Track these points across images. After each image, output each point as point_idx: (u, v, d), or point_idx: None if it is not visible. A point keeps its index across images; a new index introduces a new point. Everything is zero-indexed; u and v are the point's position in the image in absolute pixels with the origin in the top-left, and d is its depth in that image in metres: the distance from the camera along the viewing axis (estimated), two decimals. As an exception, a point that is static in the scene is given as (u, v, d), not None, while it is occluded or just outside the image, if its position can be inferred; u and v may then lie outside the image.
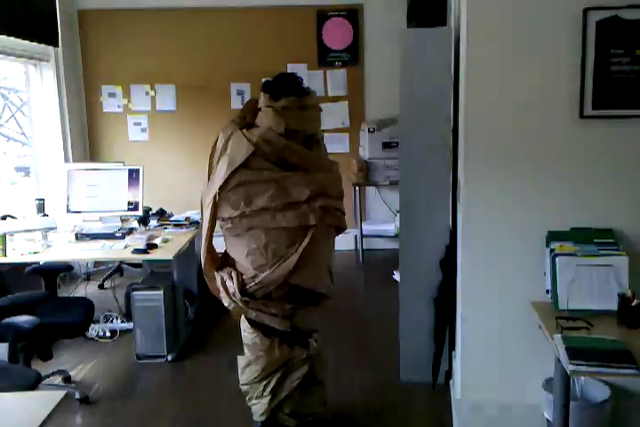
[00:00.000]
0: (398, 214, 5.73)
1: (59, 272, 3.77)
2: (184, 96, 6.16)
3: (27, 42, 4.98)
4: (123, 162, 5.00)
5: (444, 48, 3.07)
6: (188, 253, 4.16)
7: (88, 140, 6.20)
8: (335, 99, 6.14)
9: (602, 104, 2.50)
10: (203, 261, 2.77)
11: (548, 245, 2.48)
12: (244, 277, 2.64)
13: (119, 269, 5.35)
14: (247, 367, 2.76)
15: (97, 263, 5.51)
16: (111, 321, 4.19)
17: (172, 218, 4.58)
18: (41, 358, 3.14)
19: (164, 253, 3.70)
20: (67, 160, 5.66)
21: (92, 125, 6.21)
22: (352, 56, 6.14)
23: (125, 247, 3.78)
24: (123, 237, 4.01)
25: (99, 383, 3.44)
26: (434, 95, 3.10)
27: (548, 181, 2.56)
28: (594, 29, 2.45)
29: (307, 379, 2.76)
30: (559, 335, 2.09)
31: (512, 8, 2.50)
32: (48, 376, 3.28)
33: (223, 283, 2.70)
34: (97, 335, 4.05)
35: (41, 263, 3.67)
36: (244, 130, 2.63)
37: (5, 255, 3.55)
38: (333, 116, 6.01)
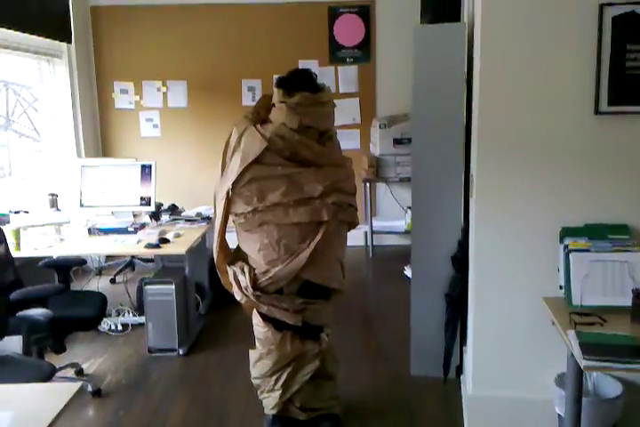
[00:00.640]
0: (409, 211, 5.78)
1: (72, 266, 3.79)
2: (195, 92, 6.18)
3: (40, 38, 5.01)
4: (135, 158, 5.02)
5: (457, 44, 3.06)
6: (199, 248, 4.19)
7: (100, 136, 6.24)
8: (346, 95, 6.14)
9: (617, 100, 2.48)
10: (215, 255, 2.78)
11: (561, 241, 2.47)
12: (256, 271, 2.66)
13: (131, 263, 5.38)
14: (259, 361, 2.77)
15: (109, 258, 5.55)
16: (123, 315, 4.22)
17: (184, 213, 4.60)
18: (54, 351, 3.17)
19: (177, 247, 3.72)
20: (79, 156, 5.69)
21: (104, 122, 6.25)
22: (363, 53, 6.14)
23: (138, 242, 3.80)
24: (135, 232, 4.03)
25: (111, 376, 3.47)
26: (447, 91, 3.10)
27: (562, 177, 2.56)
28: (610, 25, 2.43)
29: (318, 373, 2.77)
30: (572, 331, 2.09)
31: (527, 4, 2.48)
32: (61, 369, 3.30)
33: (235, 277, 2.71)
34: (109, 329, 4.09)
35: (54, 257, 3.70)
36: (258, 125, 2.64)
37: (19, 249, 3.58)
38: (344, 112, 6.00)
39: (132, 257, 5.36)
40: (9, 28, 4.43)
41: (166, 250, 3.74)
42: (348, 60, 6.15)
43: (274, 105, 2.66)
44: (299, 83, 2.62)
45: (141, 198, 4.27)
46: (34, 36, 4.89)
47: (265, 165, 2.60)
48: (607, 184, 2.54)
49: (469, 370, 2.86)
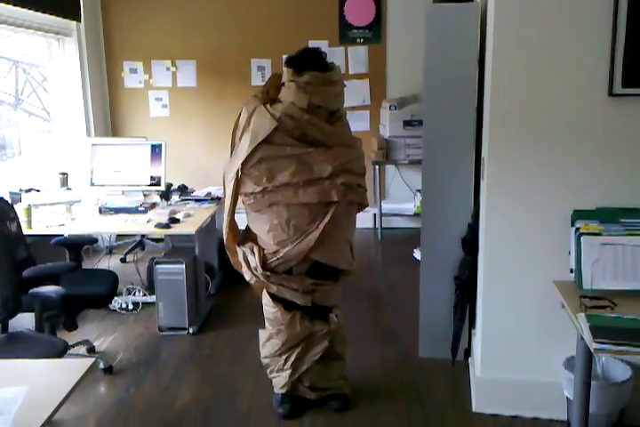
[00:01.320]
0: (418, 193, 5.76)
1: (83, 245, 3.81)
2: (205, 72, 6.15)
3: (49, 16, 4.99)
4: (145, 137, 5.02)
5: (470, 24, 3.03)
6: (209, 229, 4.21)
7: (110, 115, 6.23)
8: (356, 76, 6.09)
9: (632, 82, 2.44)
10: (225, 235, 2.79)
11: (573, 225, 2.46)
12: (265, 252, 2.66)
13: (141, 243, 5.41)
14: (268, 341, 2.80)
15: (119, 237, 5.58)
16: (134, 294, 4.25)
17: (194, 193, 4.61)
18: (66, 329, 3.20)
19: (187, 227, 3.74)
20: (89, 135, 5.69)
21: (114, 101, 6.23)
22: (374, 33, 6.07)
23: (148, 221, 3.82)
24: (145, 212, 4.04)
25: (122, 354, 3.51)
26: (459, 72, 3.07)
27: (574, 159, 2.54)
28: (625, 6, 2.38)
29: (327, 353, 2.80)
30: (583, 314, 2.09)
31: (542, -17, 2.45)
32: (73, 346, 3.34)
33: (245, 258, 2.72)
34: (120, 308, 4.12)
35: (66, 236, 3.72)
36: (267, 105, 2.62)
37: (31, 227, 3.60)
38: (354, 93, 5.95)
39: (142, 237, 5.39)
40: (17, 6, 4.40)
41: (176, 230, 3.76)
42: (358, 40, 6.09)
43: (283, 84, 2.65)
44: (308, 62, 2.60)
45: (151, 178, 4.28)
46: (43, 15, 4.86)
47: (274, 145, 2.60)
48: (620, 167, 2.52)
49: (478, 352, 2.88)
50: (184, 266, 3.70)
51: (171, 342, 3.67)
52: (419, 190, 5.56)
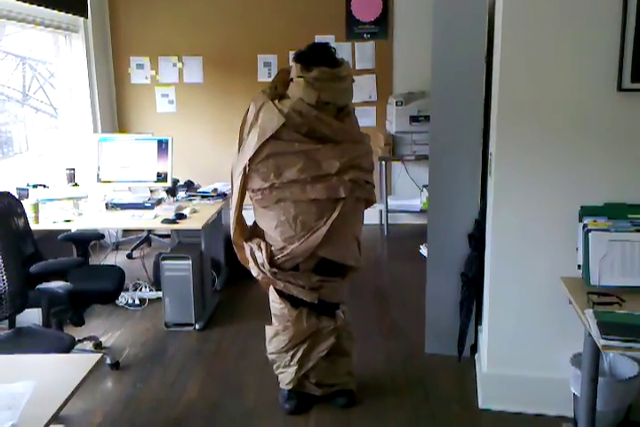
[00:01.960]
0: (424, 189, 5.75)
1: (90, 240, 3.82)
2: (211, 68, 6.15)
3: (56, 12, 4.99)
4: (152, 133, 5.03)
5: (478, 18, 3.01)
6: (215, 224, 4.21)
7: (116, 111, 6.24)
8: (363, 72, 6.06)
9: (642, 77, 2.43)
10: (232, 231, 2.79)
11: (580, 221, 2.45)
12: (272, 248, 2.66)
13: (147, 239, 5.42)
14: (275, 337, 2.80)
15: (125, 233, 5.59)
16: (140, 290, 4.26)
17: (200, 189, 4.61)
18: (73, 324, 3.22)
19: (193, 223, 3.74)
20: (95, 131, 5.70)
21: (120, 97, 6.24)
22: (381, 28, 6.05)
23: (155, 217, 3.83)
24: (152, 208, 4.05)
25: (128, 350, 3.52)
26: (466, 67, 3.05)
27: (582, 155, 2.52)
28: (635, 0, 2.37)
29: (333, 350, 2.80)
30: (590, 310, 2.08)
31: (551, -24, 2.43)
32: (80, 342, 3.35)
33: (252, 253, 2.72)
34: (126, 303, 4.13)
35: (73, 231, 3.73)
36: (276, 101, 2.62)
37: (38, 223, 3.62)
38: (360, 89, 5.91)
39: (149, 232, 5.40)
40: (25, 1, 4.41)
41: (183, 225, 3.76)
42: (365, 35, 6.07)
43: (292, 80, 2.64)
44: (317, 57, 2.59)
45: (158, 174, 4.29)
46: (51, 11, 4.87)
47: (282, 141, 2.59)
48: (629, 162, 2.50)
49: (484, 348, 2.87)
50: (190, 262, 3.70)
51: (177, 337, 3.68)
52: (425, 186, 5.54)
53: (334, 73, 2.59)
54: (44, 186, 4.34)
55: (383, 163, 5.90)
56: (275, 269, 2.65)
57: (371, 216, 6.11)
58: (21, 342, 2.57)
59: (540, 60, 2.50)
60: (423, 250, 4.79)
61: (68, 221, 3.73)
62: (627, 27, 2.39)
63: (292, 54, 2.67)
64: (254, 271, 2.75)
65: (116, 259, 4.84)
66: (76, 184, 4.52)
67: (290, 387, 2.82)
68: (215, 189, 4.53)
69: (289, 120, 2.56)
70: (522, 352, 2.73)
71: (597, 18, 2.42)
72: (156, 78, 6.18)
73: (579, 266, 2.41)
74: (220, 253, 4.55)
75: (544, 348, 2.69)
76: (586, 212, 2.47)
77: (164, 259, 3.76)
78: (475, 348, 3.28)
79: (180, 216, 3.80)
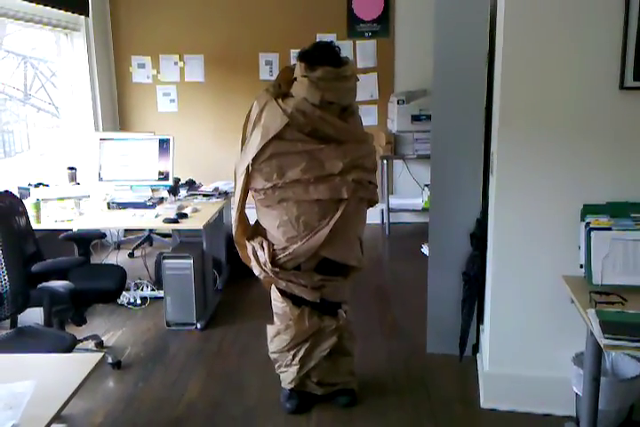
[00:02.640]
0: (426, 188, 5.74)
1: (92, 239, 3.83)
2: (212, 67, 6.14)
3: (58, 11, 4.99)
4: (153, 132, 5.02)
5: (480, 16, 3.00)
6: (216, 223, 4.21)
7: (118, 110, 6.24)
8: (364, 71, 6.05)
9: (644, 75, 2.43)
10: (234, 229, 2.79)
11: (583, 219, 2.44)
12: (274, 247, 2.66)
13: (149, 238, 5.42)
14: (276, 336, 2.79)
15: (127, 232, 5.59)
16: (142, 289, 4.26)
17: (201, 188, 4.61)
18: (75, 323, 3.22)
19: (194, 222, 3.74)
20: (97, 130, 5.70)
21: (122, 96, 6.24)
22: (382, 27, 6.04)
23: (156, 217, 3.83)
24: (153, 207, 4.05)
25: (130, 349, 3.52)
26: (468, 65, 3.04)
27: (584, 153, 2.52)
28: (638, -1, 2.37)
29: (335, 349, 2.79)
30: (593, 309, 2.07)
31: (553, -26, 2.43)
32: (81, 341, 3.35)
33: (254, 252, 2.71)
34: (128, 303, 4.13)
35: (74, 230, 3.73)
36: (279, 100, 2.60)
37: (39, 222, 3.61)
38: (362, 88, 5.75)
39: (150, 232, 5.40)
40: (26, 0, 4.41)
41: (184, 225, 3.76)
42: (366, 34, 6.06)
43: (295, 79, 2.62)
44: (321, 56, 2.57)
45: (159, 173, 4.28)
46: (52, 9, 4.87)
47: (285, 141, 2.58)
48: (631, 161, 2.50)
49: (486, 348, 2.87)
50: (192, 261, 3.70)
51: (178, 337, 3.68)
52: (427, 185, 5.54)
53: (339, 72, 2.57)
54: (46, 185, 4.34)
55: (385, 162, 5.89)
56: (277, 269, 2.65)
57: (372, 215, 6.11)
58: (23, 341, 2.57)
59: (542, 58, 2.49)
60: (425, 249, 4.78)
61: (70, 220, 3.73)
62: (629, 25, 2.39)
63: (293, 52, 2.67)
64: (256, 270, 2.74)
65: (118, 258, 4.84)
66: (77, 183, 4.52)
67: (291, 386, 2.81)
68: (217, 188, 4.53)
69: (292, 120, 2.55)
70: (524, 351, 2.73)
71: (599, 16, 2.41)
72: (158, 77, 6.18)
73: (581, 265, 2.41)
74: (222, 252, 4.55)
75: (546, 347, 2.68)
76: (588, 210, 2.46)
77: (165, 258, 3.75)
78: (476, 347, 3.28)
79: (182, 215, 3.80)
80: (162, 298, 3.84)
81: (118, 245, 5.39)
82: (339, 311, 2.81)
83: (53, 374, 1.79)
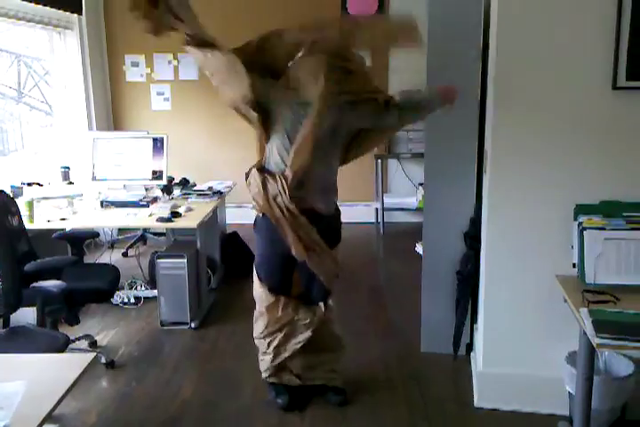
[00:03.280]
0: (420, 187, 5.75)
1: (85, 238, 3.81)
2: (207, 65, 6.11)
3: (51, 9, 4.97)
4: (147, 131, 5.01)
5: (473, 14, 3.00)
6: (211, 223, 4.20)
7: (111, 109, 6.21)
8: (359, 70, 6.04)
9: (636, 75, 2.42)
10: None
11: (576, 219, 2.45)
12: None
13: (142, 237, 5.41)
14: (256, 322, 2.84)
15: (121, 231, 5.58)
16: (135, 288, 4.25)
17: (195, 187, 4.60)
18: (68, 323, 3.21)
19: (188, 221, 3.73)
20: (90, 129, 5.68)
21: (115, 94, 6.22)
22: (377, 24, 6.03)
23: (150, 215, 3.82)
24: (147, 206, 4.04)
25: (123, 348, 3.51)
26: (462, 64, 3.05)
27: (578, 153, 2.52)
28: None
29: (318, 344, 2.80)
30: (585, 309, 2.08)
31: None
32: (75, 341, 3.35)
33: (264, 182, 2.61)
34: (121, 302, 4.12)
35: (67, 230, 3.72)
36: None
37: (33, 221, 3.60)
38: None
39: (144, 231, 5.38)
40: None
41: (178, 224, 3.75)
42: (361, 33, 6.05)
43: None
44: None
45: (153, 172, 4.27)
46: (45, 8, 4.85)
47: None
48: (624, 161, 2.50)
49: (480, 347, 2.87)
50: (186, 260, 3.69)
51: (172, 336, 3.67)
52: (421, 184, 5.55)
53: None
54: (39, 184, 4.32)
55: (379, 160, 5.90)
56: (292, 205, 2.55)
57: (367, 214, 6.14)
58: (15, 341, 2.55)
59: (535, 58, 2.49)
60: (419, 248, 4.79)
61: (63, 219, 3.71)
62: (622, 24, 2.39)
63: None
64: (260, 202, 2.63)
65: (112, 257, 4.83)
66: (70, 182, 4.51)
67: (266, 375, 2.85)
68: (211, 188, 4.53)
69: None
70: (517, 351, 2.73)
71: (592, 16, 2.42)
72: (152, 76, 6.16)
73: (574, 264, 2.41)
74: (216, 251, 4.54)
75: (539, 346, 2.69)
76: (581, 210, 2.47)
77: (159, 257, 3.75)
78: (470, 346, 3.28)
79: (175, 214, 3.79)
80: (155, 297, 3.83)
81: (112, 245, 5.38)
82: (319, 305, 2.78)
83: (46, 373, 1.78)
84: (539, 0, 2.45)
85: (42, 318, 2.87)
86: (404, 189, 6.21)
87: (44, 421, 1.51)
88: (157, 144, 4.28)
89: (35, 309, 2.85)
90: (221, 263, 4.61)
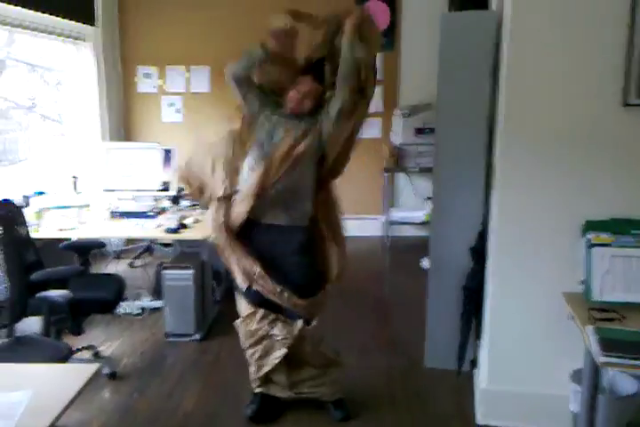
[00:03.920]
0: (428, 201, 5.73)
1: (92, 248, 3.81)
2: (219, 78, 6.12)
3: (66, 21, 5.04)
4: (158, 142, 5.03)
5: (486, 33, 3.00)
6: (217, 234, 4.19)
7: (123, 120, 6.26)
8: (369, 84, 6.07)
9: (647, 93, 2.43)
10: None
11: (584, 235, 2.44)
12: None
13: (149, 248, 5.42)
14: (240, 331, 2.87)
15: (127, 242, 5.59)
16: (140, 299, 4.25)
17: (203, 199, 4.60)
18: (72, 333, 3.20)
19: (195, 233, 3.74)
20: (103, 139, 5.72)
21: (127, 106, 6.27)
22: (388, 40, 6.05)
23: (158, 226, 3.83)
24: (155, 217, 4.06)
25: (127, 360, 3.50)
26: (473, 80, 3.05)
27: (587, 169, 2.51)
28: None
29: (296, 361, 2.80)
30: (591, 326, 2.06)
31: (557, -7, 2.44)
32: (78, 351, 3.35)
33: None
34: (126, 313, 4.12)
35: (74, 239, 3.73)
36: None
37: (38, 231, 3.61)
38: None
39: (151, 241, 5.40)
40: (33, 9, 4.45)
41: (185, 235, 3.76)
42: (372, 47, 6.07)
43: None
44: None
45: (163, 183, 4.29)
46: (60, 19, 4.91)
47: None
48: (634, 177, 2.49)
49: (484, 364, 2.85)
50: (192, 272, 3.69)
51: (176, 347, 3.66)
52: (429, 198, 5.54)
53: None
54: (47, 194, 4.35)
55: (388, 174, 5.90)
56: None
57: (374, 228, 6.13)
58: (19, 350, 2.56)
59: (546, 75, 2.50)
60: (424, 263, 4.77)
61: (71, 229, 3.73)
62: (634, 42, 2.39)
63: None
64: (239, 281, 2.79)
65: (118, 267, 4.84)
66: (79, 192, 4.53)
67: (254, 385, 2.85)
68: (218, 199, 4.52)
69: None
70: (522, 368, 2.71)
71: (604, 34, 2.42)
72: (164, 88, 6.21)
73: (582, 281, 2.40)
74: (221, 263, 4.52)
75: (544, 364, 2.66)
76: (590, 226, 2.46)
77: (165, 268, 3.75)
78: (474, 362, 3.26)
79: (183, 226, 3.80)
80: (159, 308, 3.83)
81: (119, 255, 5.39)
82: (296, 322, 2.74)
83: (49, 384, 1.78)
84: (551, 18, 2.46)
85: (47, 327, 2.87)
86: (412, 203, 6.19)
87: (46, 432, 1.51)
88: (168, 155, 4.31)
89: (40, 318, 2.85)
90: (226, 275, 4.60)
